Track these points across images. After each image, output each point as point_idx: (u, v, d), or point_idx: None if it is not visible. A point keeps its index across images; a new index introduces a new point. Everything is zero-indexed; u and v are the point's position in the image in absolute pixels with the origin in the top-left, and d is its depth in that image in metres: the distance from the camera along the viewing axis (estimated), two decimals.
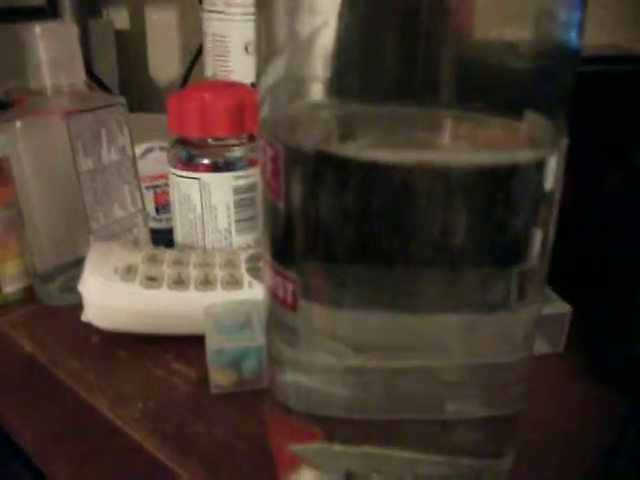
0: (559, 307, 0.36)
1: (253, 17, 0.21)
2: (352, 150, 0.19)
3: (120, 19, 1.06)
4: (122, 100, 0.43)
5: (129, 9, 1.06)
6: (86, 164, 0.40)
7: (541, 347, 0.36)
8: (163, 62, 1.03)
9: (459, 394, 0.22)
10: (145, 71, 1.06)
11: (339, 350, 0.21)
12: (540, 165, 0.19)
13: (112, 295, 0.35)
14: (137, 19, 1.05)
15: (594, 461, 0.27)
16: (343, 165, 0.18)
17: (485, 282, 0.20)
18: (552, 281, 0.36)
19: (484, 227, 0.19)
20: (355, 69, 0.19)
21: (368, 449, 0.23)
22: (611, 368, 0.33)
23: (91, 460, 0.30)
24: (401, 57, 0.19)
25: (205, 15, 0.54)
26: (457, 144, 0.20)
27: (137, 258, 0.37)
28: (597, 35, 0.59)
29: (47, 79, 0.39)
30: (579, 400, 0.32)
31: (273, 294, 0.22)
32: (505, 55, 0.19)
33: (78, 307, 0.36)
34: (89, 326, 0.36)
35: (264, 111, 0.20)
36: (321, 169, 0.18)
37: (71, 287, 0.37)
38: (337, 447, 0.23)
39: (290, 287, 0.20)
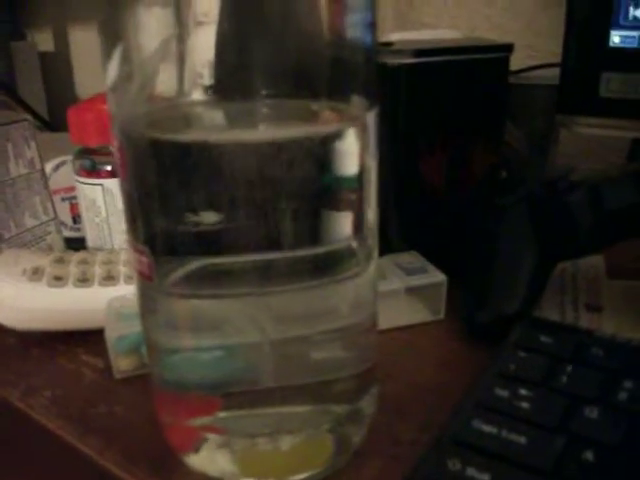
0: (435, 277, 0.39)
1: None
2: (172, 136, 0.22)
3: (44, 41, 1.08)
4: (28, 117, 0.46)
5: (53, 31, 1.07)
6: None
7: (424, 315, 0.40)
8: (89, 81, 1.05)
9: (325, 354, 0.26)
10: (72, 91, 1.07)
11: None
12: (341, 137, 0.22)
13: (20, 296, 0.37)
14: (61, 40, 1.06)
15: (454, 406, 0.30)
16: (167, 150, 0.21)
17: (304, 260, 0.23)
18: (429, 253, 0.40)
19: (290, 209, 0.22)
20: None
21: (262, 411, 0.26)
22: (480, 328, 0.36)
23: (2, 447, 0.32)
24: (243, 58, 0.22)
25: None
26: (277, 126, 0.23)
27: (44, 260, 0.39)
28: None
29: None
30: (450, 359, 0.36)
31: (136, 270, 0.25)
32: (334, 54, 0.23)
33: None
34: (4, 329, 0.39)
35: (111, 107, 0.23)
36: (151, 154, 0.22)
37: None
38: (237, 412, 0.26)
39: (145, 260, 0.23)
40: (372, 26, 0.23)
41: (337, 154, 0.22)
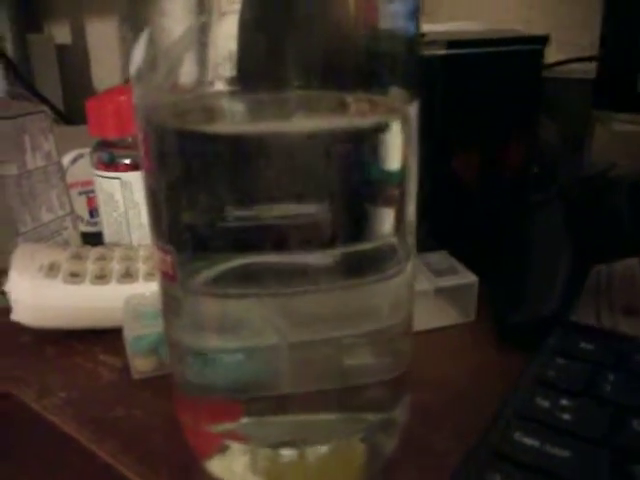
0: (467, 278, 0.37)
1: None
2: (203, 127, 0.20)
3: (61, 34, 1.07)
4: (45, 108, 0.45)
5: (70, 23, 1.07)
6: (9, 169, 0.41)
7: (454, 317, 0.38)
8: (106, 74, 1.04)
9: (356, 359, 0.24)
10: (89, 84, 1.07)
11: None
12: (384, 129, 0.21)
13: (35, 292, 0.36)
14: (78, 33, 1.06)
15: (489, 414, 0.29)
16: (197, 141, 0.20)
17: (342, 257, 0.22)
18: (459, 252, 0.39)
19: (331, 203, 0.21)
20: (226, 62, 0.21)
21: (286, 418, 0.24)
22: (512, 331, 0.35)
23: (18, 449, 0.31)
24: (272, 48, 0.21)
25: None
26: (312, 117, 0.22)
27: (61, 256, 0.38)
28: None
29: None
30: (482, 364, 0.34)
31: (159, 270, 0.23)
32: (369, 45, 0.21)
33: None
34: (20, 326, 0.37)
35: (136, 98, 0.22)
36: (179, 147, 0.20)
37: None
38: (261, 419, 0.25)
39: (169, 259, 0.22)
40: (415, 14, 0.21)
41: (377, 147, 0.21)
